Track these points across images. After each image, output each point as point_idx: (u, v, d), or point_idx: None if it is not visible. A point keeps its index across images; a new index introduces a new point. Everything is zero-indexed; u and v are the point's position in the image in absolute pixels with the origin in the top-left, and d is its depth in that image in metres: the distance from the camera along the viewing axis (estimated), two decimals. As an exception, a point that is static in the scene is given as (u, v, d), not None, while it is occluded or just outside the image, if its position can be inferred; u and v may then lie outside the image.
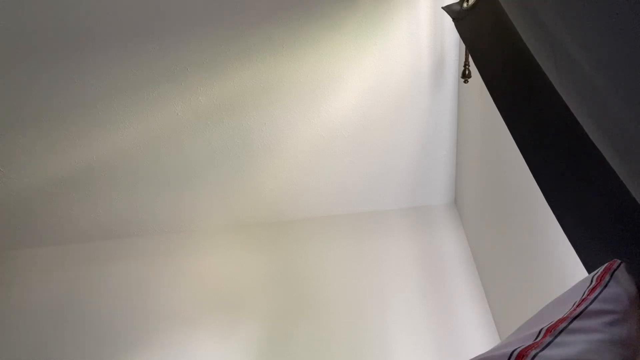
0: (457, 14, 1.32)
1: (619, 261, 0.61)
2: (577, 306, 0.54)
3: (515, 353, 0.48)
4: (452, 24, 1.41)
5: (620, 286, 0.57)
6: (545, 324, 0.53)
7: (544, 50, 0.69)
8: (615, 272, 0.58)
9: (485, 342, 1.60)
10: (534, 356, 0.47)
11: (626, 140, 0.50)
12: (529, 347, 0.48)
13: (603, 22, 0.47)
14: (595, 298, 0.54)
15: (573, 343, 0.48)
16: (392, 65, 1.76)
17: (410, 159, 2.04)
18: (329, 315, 1.78)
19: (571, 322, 0.51)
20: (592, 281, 0.58)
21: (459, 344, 1.62)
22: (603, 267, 0.60)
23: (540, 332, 0.51)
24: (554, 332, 0.50)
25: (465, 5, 1.30)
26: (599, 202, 0.70)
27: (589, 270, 0.72)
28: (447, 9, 1.37)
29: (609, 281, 0.57)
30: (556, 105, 0.78)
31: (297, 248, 2.08)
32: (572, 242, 0.76)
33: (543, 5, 0.61)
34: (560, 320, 0.52)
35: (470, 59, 1.53)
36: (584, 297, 0.55)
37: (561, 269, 1.07)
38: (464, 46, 1.58)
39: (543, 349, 0.48)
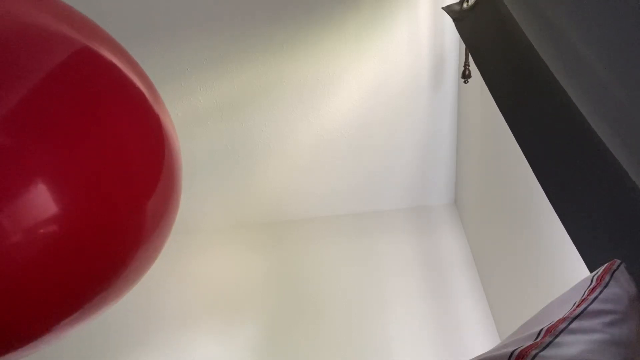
0: (457, 14, 1.33)
1: (619, 261, 0.61)
2: (577, 306, 0.54)
3: (516, 353, 0.48)
4: (452, 24, 1.41)
5: (620, 286, 0.57)
6: (545, 324, 0.53)
7: (551, 49, 0.68)
8: (615, 272, 0.58)
9: (485, 342, 1.60)
10: (534, 356, 0.47)
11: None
12: (529, 347, 0.48)
13: (614, 18, 0.46)
14: (595, 298, 0.54)
15: (573, 343, 0.48)
16: (392, 65, 1.76)
17: (410, 159, 2.04)
18: (329, 315, 1.78)
19: (571, 322, 0.51)
20: (592, 281, 0.58)
21: (458, 343, 1.62)
22: (603, 267, 0.60)
23: (540, 332, 0.51)
24: (554, 332, 0.50)
25: (465, 5, 1.30)
26: (604, 201, 0.70)
27: (591, 270, 0.72)
28: (447, 9, 1.37)
29: (609, 281, 0.57)
30: (564, 104, 0.78)
31: (297, 248, 2.08)
32: (575, 242, 0.76)
33: (550, 1, 0.61)
34: (560, 321, 0.52)
35: (470, 59, 1.53)
36: (584, 297, 0.56)
37: (561, 269, 1.07)
38: (464, 46, 1.58)
39: (543, 349, 0.48)
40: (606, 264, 0.61)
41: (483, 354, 0.51)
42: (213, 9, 1.62)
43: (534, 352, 0.47)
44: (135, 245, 0.70)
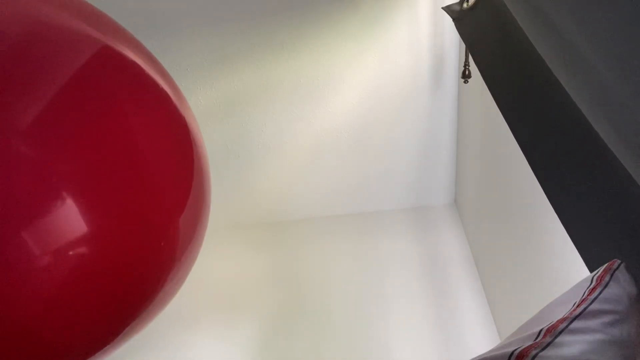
0: (457, 14, 1.33)
1: (619, 261, 0.61)
2: (577, 306, 0.54)
3: (516, 353, 0.48)
4: (452, 23, 1.41)
5: (620, 286, 0.57)
6: (545, 324, 0.53)
7: (552, 48, 0.68)
8: (615, 272, 0.58)
9: (485, 342, 1.60)
10: (534, 356, 0.47)
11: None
12: (529, 348, 0.48)
13: (617, 17, 0.46)
14: (595, 298, 0.54)
15: (573, 343, 0.48)
16: (392, 65, 1.76)
17: (410, 159, 2.04)
18: (329, 315, 1.78)
19: (571, 322, 0.51)
20: (592, 281, 0.58)
21: (458, 343, 1.62)
22: (603, 267, 0.60)
23: (540, 332, 0.51)
24: (554, 332, 0.50)
25: (465, 5, 1.30)
26: (604, 201, 0.70)
27: (591, 270, 0.72)
28: (447, 9, 1.37)
29: (609, 281, 0.57)
30: (564, 104, 0.78)
31: (297, 248, 2.08)
32: (574, 242, 0.76)
33: (551, 0, 0.61)
34: (560, 321, 0.52)
35: (470, 59, 1.53)
36: (584, 297, 0.56)
37: (561, 269, 1.07)
38: (464, 46, 1.58)
39: (543, 349, 0.48)
40: (606, 264, 0.61)
41: (483, 354, 0.51)
42: (213, 9, 1.62)
43: (534, 352, 0.47)
44: (169, 265, 0.64)
